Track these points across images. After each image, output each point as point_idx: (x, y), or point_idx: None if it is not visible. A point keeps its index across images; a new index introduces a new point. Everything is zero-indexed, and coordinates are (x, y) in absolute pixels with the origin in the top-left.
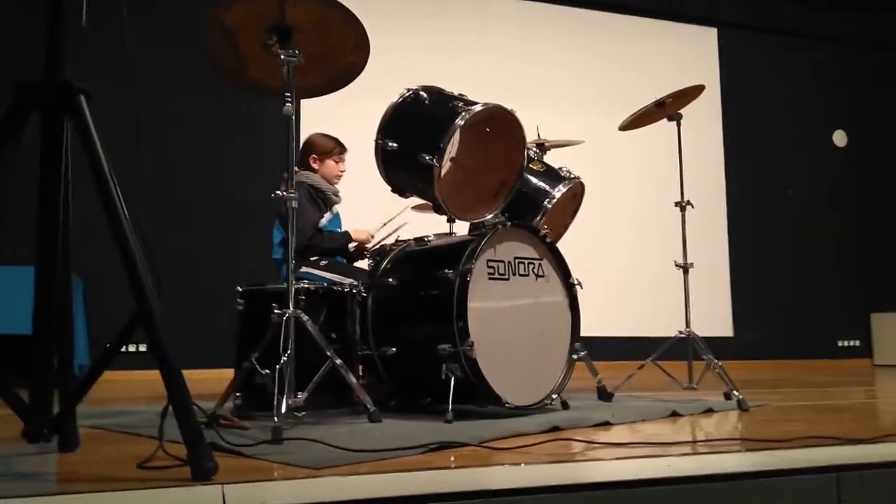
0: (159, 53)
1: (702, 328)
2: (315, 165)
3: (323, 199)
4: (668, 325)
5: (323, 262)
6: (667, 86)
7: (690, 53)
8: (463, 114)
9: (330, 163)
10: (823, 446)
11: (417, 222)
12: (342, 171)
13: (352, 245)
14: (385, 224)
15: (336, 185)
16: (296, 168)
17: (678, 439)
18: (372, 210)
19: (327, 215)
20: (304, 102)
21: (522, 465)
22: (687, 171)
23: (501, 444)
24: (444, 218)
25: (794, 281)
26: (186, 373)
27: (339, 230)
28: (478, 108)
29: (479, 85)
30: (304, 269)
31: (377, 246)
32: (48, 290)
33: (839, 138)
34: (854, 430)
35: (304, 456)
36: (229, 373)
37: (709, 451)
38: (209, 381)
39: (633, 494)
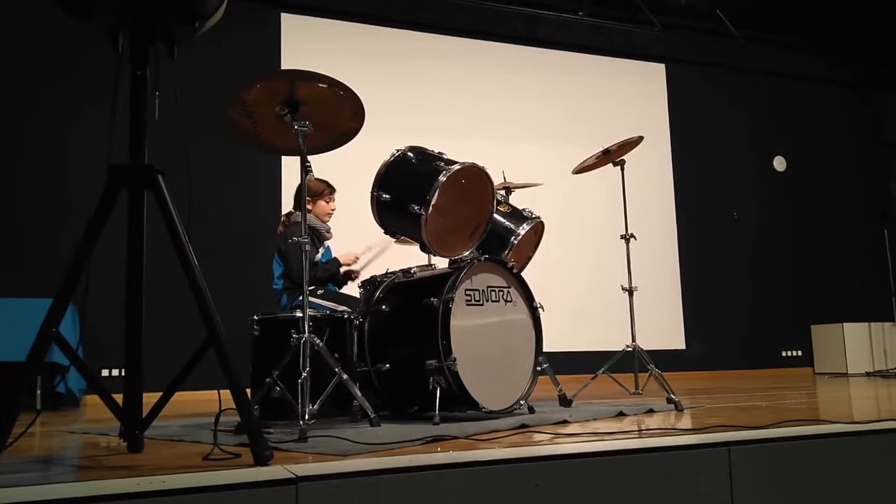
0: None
1: (657, 342)
2: (308, 206)
3: (317, 236)
4: (619, 341)
5: (319, 292)
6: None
7: (642, 88)
8: (444, 171)
9: (321, 203)
10: (722, 431)
11: (398, 251)
12: (332, 210)
13: (342, 269)
14: (370, 248)
15: (327, 223)
16: (291, 209)
17: (620, 429)
18: (356, 242)
19: (321, 250)
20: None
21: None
22: (640, 198)
23: (482, 437)
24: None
25: (740, 297)
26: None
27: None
28: (456, 166)
29: (446, 121)
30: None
31: (363, 268)
32: (136, 322)
33: (779, 163)
34: (753, 420)
35: (331, 448)
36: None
37: (638, 436)
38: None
39: (582, 463)
